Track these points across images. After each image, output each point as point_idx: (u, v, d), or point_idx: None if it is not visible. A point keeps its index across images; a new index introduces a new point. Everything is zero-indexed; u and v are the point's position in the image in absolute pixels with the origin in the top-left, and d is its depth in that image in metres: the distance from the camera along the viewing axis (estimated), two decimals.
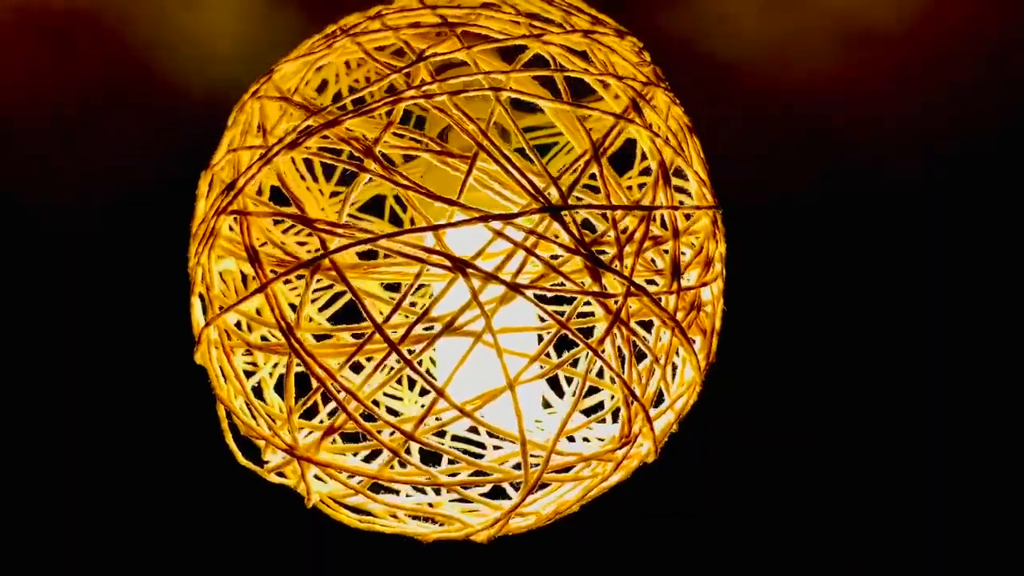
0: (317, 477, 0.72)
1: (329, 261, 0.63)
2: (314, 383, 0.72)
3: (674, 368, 0.73)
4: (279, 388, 0.77)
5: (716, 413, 0.80)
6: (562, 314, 0.64)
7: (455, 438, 0.82)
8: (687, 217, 0.70)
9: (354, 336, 0.65)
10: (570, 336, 0.64)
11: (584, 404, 0.74)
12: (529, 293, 0.63)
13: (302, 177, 0.83)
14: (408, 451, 0.73)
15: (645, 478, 0.75)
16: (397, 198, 0.89)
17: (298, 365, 0.66)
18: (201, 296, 0.73)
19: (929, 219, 1.13)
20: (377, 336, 0.63)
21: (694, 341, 0.70)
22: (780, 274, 1.15)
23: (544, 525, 0.74)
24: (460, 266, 0.62)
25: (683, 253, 0.69)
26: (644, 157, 0.80)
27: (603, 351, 0.64)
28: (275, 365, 0.80)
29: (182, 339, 1.09)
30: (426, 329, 0.64)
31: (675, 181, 0.69)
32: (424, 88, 0.65)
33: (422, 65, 0.66)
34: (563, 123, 0.67)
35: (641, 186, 0.79)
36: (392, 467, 0.68)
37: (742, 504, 1.29)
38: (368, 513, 0.74)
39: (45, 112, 1.00)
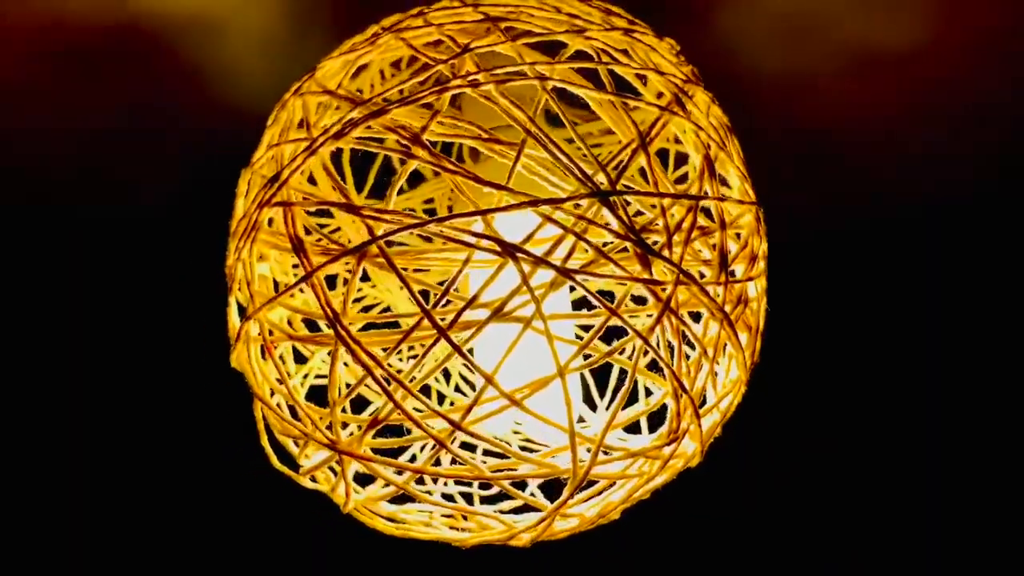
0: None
1: (377, 247, 0.62)
2: (355, 376, 0.71)
3: (715, 375, 0.72)
4: (310, 397, 0.76)
5: (757, 420, 0.78)
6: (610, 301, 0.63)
7: (486, 452, 0.81)
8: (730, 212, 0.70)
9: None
10: (619, 324, 0.63)
11: (623, 419, 0.72)
12: (579, 279, 0.62)
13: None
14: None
15: (687, 483, 0.74)
16: (427, 212, 0.88)
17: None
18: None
19: (947, 241, 1.13)
20: (424, 323, 0.62)
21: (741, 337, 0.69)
22: (795, 308, 1.14)
23: (585, 530, 0.72)
24: (510, 251, 0.61)
25: (728, 251, 0.69)
26: (679, 164, 0.80)
27: (651, 340, 0.63)
28: (305, 376, 0.79)
29: (176, 340, 1.09)
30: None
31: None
32: (470, 77, 0.65)
33: (467, 56, 0.66)
34: (607, 115, 0.67)
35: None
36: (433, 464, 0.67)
37: (781, 513, 1.28)
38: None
39: (70, 130, 1.00)
